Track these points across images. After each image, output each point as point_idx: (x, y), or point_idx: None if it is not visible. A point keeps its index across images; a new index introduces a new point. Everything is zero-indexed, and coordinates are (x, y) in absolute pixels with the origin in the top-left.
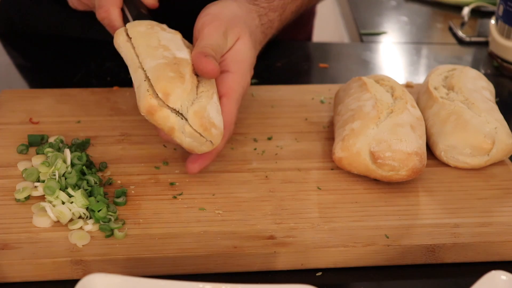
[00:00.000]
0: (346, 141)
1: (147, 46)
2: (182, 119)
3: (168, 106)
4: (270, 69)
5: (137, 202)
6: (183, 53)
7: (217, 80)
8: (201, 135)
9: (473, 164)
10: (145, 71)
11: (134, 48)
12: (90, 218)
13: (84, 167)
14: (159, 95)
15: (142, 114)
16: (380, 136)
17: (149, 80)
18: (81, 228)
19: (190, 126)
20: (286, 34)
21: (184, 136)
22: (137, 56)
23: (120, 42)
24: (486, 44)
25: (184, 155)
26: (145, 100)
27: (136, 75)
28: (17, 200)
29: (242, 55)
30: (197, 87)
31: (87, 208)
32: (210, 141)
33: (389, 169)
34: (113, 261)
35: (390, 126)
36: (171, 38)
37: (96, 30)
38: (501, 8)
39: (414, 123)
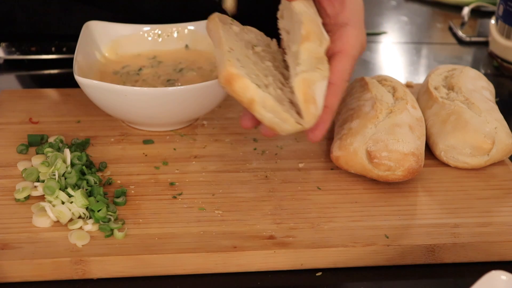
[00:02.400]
0: (343, 140)
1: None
2: (263, 91)
3: (247, 76)
4: None
5: (137, 202)
6: (324, 31)
7: (334, 35)
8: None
9: (473, 164)
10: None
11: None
12: (90, 218)
13: (84, 167)
14: (302, 32)
15: (221, 85)
16: (378, 136)
17: (229, 52)
18: (81, 228)
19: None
20: None
21: (265, 111)
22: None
23: (212, 25)
24: (486, 44)
25: (184, 155)
26: (224, 68)
27: (218, 51)
28: (17, 200)
29: (359, 3)
30: (318, 62)
31: (87, 208)
32: (296, 120)
33: (385, 169)
34: (113, 261)
35: (388, 126)
36: None
37: None
38: (501, 8)
39: (413, 124)
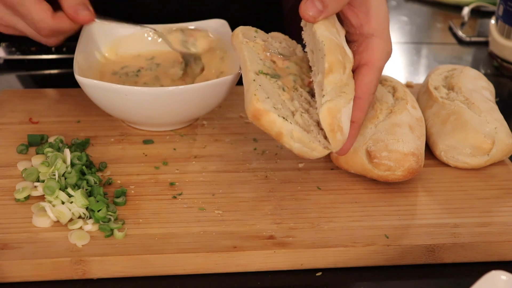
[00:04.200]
0: None
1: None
2: (290, 123)
3: (274, 108)
4: None
5: (137, 202)
6: (347, 48)
7: (359, 47)
8: (315, 137)
9: (473, 164)
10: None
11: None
12: (90, 218)
13: (84, 167)
14: (326, 65)
15: (249, 119)
16: (378, 135)
17: (254, 81)
18: (80, 228)
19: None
20: (287, 34)
21: (293, 142)
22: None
23: (235, 42)
24: (486, 44)
25: (184, 155)
26: (251, 104)
27: (244, 76)
28: (17, 200)
29: (384, 12)
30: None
31: (86, 208)
32: (324, 145)
33: (385, 169)
34: (113, 261)
35: (388, 126)
36: None
37: None
38: (501, 8)
39: (413, 124)
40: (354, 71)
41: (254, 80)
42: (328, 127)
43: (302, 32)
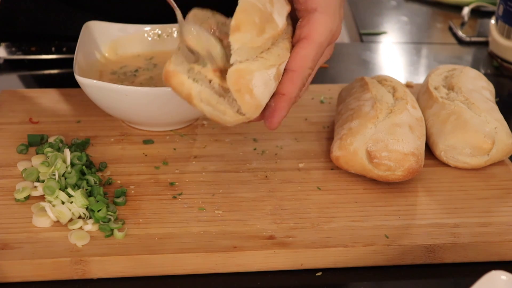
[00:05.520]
0: (343, 140)
1: None
2: (201, 86)
3: (188, 72)
4: None
5: (137, 202)
6: (280, 18)
7: (302, 21)
8: (225, 98)
9: (473, 164)
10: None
11: None
12: (90, 218)
13: (84, 167)
14: (232, 23)
15: (163, 82)
16: (378, 136)
17: (178, 49)
18: (81, 228)
19: (214, 87)
20: None
21: (203, 104)
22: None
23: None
24: (486, 44)
25: (184, 155)
26: (164, 67)
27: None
28: (17, 200)
29: None
30: (262, 51)
31: (87, 208)
32: (239, 110)
33: (385, 169)
34: (113, 261)
35: (388, 126)
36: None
37: None
38: (501, 8)
39: (413, 124)
40: (294, 45)
41: (179, 48)
42: (233, 86)
43: None
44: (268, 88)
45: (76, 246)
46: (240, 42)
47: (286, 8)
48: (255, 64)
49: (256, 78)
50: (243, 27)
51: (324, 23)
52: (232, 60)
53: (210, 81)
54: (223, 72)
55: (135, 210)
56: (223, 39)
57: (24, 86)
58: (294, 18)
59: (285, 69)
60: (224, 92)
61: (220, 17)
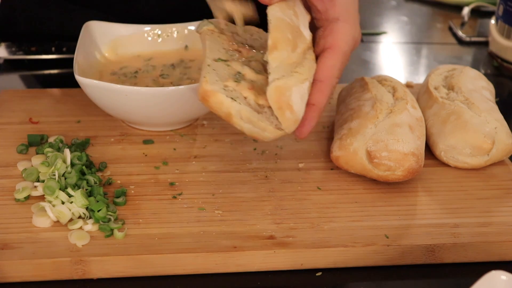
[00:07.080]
0: (343, 140)
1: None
2: (239, 104)
3: (224, 89)
4: None
5: (137, 202)
6: (306, 30)
7: (324, 31)
8: (266, 115)
9: (473, 164)
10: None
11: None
12: (90, 218)
13: (84, 167)
14: (269, 42)
15: (200, 101)
16: (378, 136)
17: (208, 66)
18: (80, 228)
19: (253, 105)
20: None
21: (243, 122)
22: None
23: (201, 34)
24: (486, 44)
25: (184, 155)
26: (200, 86)
27: (203, 65)
28: (17, 200)
29: None
30: (296, 66)
31: (87, 208)
32: (277, 126)
33: (385, 169)
34: (113, 261)
35: (388, 126)
36: (304, 13)
37: None
38: (501, 8)
39: (413, 124)
40: (319, 56)
41: (208, 65)
42: (274, 104)
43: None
44: (304, 102)
45: (76, 246)
46: (278, 60)
47: (307, 18)
48: (291, 79)
49: (294, 94)
50: (280, 45)
51: (347, 31)
52: (270, 79)
53: (245, 98)
54: (257, 89)
55: (135, 210)
56: (241, 50)
57: (24, 86)
58: (311, 26)
59: (313, 80)
60: (260, 108)
61: (231, 26)
